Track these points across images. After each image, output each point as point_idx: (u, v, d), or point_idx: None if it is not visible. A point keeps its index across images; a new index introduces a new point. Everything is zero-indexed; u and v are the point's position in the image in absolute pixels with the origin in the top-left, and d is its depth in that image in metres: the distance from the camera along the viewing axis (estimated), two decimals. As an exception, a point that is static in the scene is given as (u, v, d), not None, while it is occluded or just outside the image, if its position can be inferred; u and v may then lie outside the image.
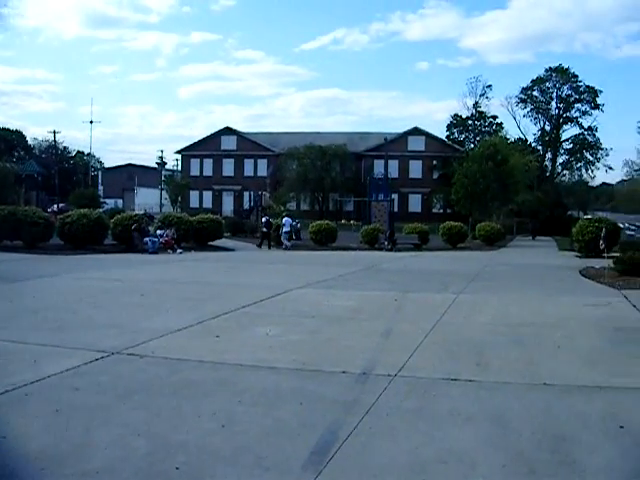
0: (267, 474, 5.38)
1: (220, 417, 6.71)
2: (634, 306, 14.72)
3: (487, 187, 57.88)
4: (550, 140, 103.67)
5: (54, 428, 6.30)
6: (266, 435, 6.27)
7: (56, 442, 5.93)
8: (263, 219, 46.01)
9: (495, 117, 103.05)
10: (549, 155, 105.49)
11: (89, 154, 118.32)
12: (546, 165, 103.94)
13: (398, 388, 7.92)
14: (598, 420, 6.81)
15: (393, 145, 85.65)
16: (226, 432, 6.32)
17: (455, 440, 6.19)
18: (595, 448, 6.01)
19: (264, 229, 43.67)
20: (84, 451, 5.75)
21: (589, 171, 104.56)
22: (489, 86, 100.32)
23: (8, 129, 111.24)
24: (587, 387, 8.10)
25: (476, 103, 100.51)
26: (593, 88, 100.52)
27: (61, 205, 69.80)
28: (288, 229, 43.43)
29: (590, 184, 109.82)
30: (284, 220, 44.29)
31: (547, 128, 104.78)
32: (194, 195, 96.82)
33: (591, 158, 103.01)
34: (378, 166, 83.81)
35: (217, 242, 40.64)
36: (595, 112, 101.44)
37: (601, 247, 25.21)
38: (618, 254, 25.26)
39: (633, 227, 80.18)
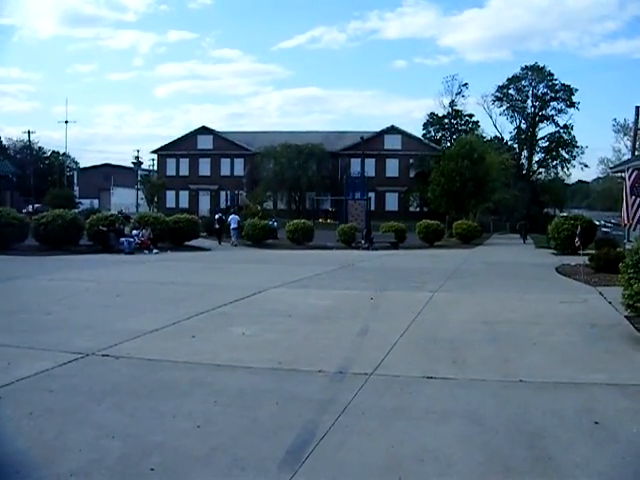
0: (243, 474, 5.36)
1: (196, 417, 6.68)
2: (609, 303, 14.78)
3: (463, 185, 58.03)
4: (526, 138, 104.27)
5: (28, 431, 6.24)
6: (242, 435, 6.25)
7: (30, 445, 5.88)
8: (216, 216, 47.98)
9: (471, 115, 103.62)
10: (525, 153, 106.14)
11: (65, 154, 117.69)
12: (522, 163, 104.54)
13: (374, 387, 7.92)
14: (574, 416, 6.83)
15: (370, 144, 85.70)
16: (202, 432, 6.29)
17: (431, 438, 6.20)
18: (571, 444, 6.04)
19: (217, 226, 46.01)
20: (58, 454, 5.70)
21: (565, 169, 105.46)
22: (465, 85, 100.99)
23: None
24: (563, 384, 8.14)
25: (452, 102, 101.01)
26: (569, 86, 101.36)
27: (36, 206, 69.44)
28: (235, 226, 45.26)
29: (566, 182, 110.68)
30: (230, 217, 46.55)
31: (523, 126, 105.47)
32: (170, 195, 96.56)
33: (567, 156, 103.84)
34: (355, 165, 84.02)
35: (193, 242, 40.54)
36: (571, 110, 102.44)
37: (576, 244, 25.33)
38: (594, 251, 25.45)
39: (609, 224, 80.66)
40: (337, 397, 7.44)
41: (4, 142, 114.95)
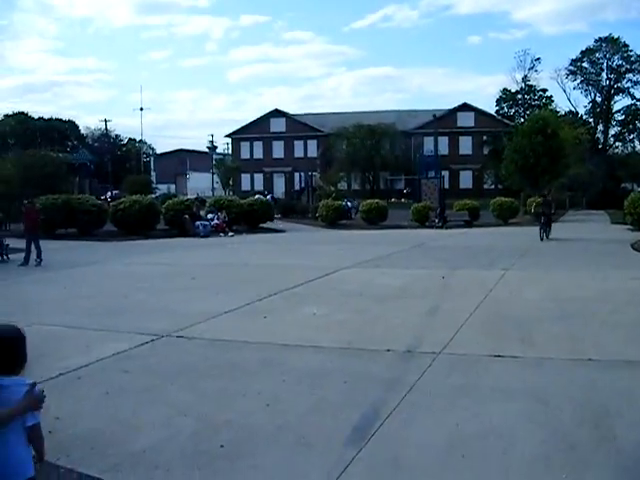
0: (309, 451, 5.49)
1: (265, 396, 6.84)
2: (685, 279, 14.52)
3: (537, 161, 57.11)
4: (601, 112, 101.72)
5: (104, 409, 6.51)
6: (309, 413, 6.40)
7: (105, 423, 6.13)
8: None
9: (545, 90, 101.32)
10: (601, 127, 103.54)
11: (141, 141, 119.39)
12: (598, 137, 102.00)
13: (442, 365, 7.98)
14: (641, 395, 6.79)
15: (442, 122, 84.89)
16: (270, 411, 6.45)
17: (496, 416, 6.24)
18: (637, 424, 5.99)
19: None
20: (132, 431, 5.94)
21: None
22: (538, 59, 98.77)
23: (61, 119, 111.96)
24: (632, 362, 8.05)
25: (525, 77, 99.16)
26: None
27: (115, 192, 70.68)
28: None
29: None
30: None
31: (598, 100, 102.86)
32: (245, 178, 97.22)
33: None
34: (428, 143, 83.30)
35: (268, 224, 40.84)
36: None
37: (653, 220, 24.88)
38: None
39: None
40: (405, 376, 7.52)
41: (82, 131, 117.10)
